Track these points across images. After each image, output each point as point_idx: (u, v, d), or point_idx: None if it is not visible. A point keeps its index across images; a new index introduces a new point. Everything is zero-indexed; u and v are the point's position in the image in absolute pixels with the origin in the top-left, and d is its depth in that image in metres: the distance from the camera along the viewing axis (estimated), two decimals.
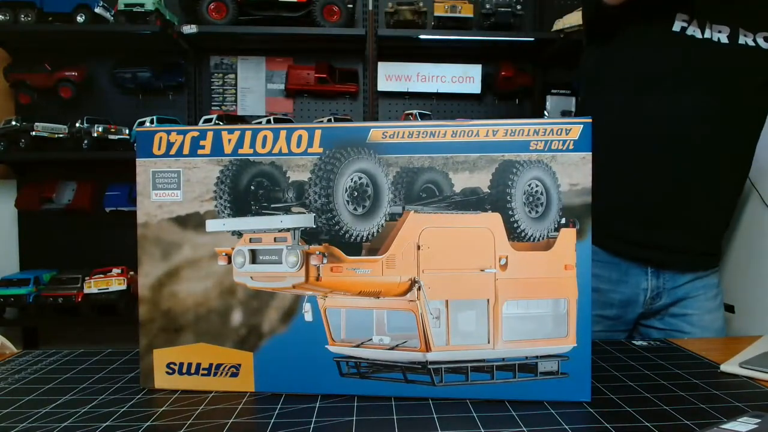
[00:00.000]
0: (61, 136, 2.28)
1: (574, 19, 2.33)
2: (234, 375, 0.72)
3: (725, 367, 0.78)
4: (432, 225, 0.68)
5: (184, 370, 0.73)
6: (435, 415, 0.64)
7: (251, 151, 0.71)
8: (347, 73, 2.67)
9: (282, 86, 2.62)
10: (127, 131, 2.33)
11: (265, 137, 0.71)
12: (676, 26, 1.07)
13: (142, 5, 2.21)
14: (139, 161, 0.75)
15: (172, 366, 0.74)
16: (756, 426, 0.56)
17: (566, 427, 0.61)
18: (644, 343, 0.93)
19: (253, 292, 0.71)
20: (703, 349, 0.88)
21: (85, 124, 2.30)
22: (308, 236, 0.69)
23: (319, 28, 2.38)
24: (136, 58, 2.47)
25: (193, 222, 0.72)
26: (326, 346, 0.70)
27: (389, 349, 0.69)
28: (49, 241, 2.50)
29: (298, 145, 0.70)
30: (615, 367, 0.81)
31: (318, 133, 0.70)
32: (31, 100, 2.42)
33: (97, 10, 2.24)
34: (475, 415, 0.64)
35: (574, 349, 0.68)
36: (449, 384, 0.68)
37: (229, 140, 0.72)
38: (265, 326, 0.71)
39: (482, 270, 0.68)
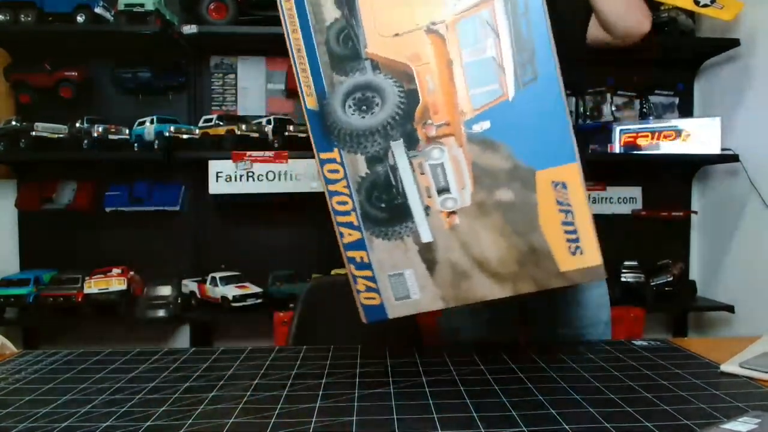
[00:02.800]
0: (61, 136, 2.27)
1: None
2: None
3: (725, 367, 0.78)
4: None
5: None
6: (435, 415, 0.64)
7: None
8: None
9: (282, 86, 2.61)
10: (127, 131, 2.33)
11: None
12: None
13: (142, 5, 2.21)
14: None
15: None
16: (756, 426, 0.56)
17: (566, 427, 0.61)
18: (644, 343, 0.93)
19: None
20: (703, 349, 0.88)
21: (85, 124, 2.29)
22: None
23: None
24: (136, 58, 2.47)
25: None
26: None
27: None
28: (49, 241, 2.49)
29: None
30: (615, 367, 0.81)
31: None
32: (31, 100, 2.42)
33: (98, 10, 2.24)
34: (475, 415, 0.64)
35: None
36: None
37: None
38: None
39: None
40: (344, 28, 0.71)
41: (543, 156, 0.69)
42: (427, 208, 0.72)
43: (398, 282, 0.75)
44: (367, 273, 0.75)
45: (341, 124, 0.72)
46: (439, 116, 0.70)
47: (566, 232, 0.69)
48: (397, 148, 0.71)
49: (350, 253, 0.75)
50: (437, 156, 0.71)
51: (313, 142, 0.73)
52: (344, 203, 0.74)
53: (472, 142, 0.70)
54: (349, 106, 0.72)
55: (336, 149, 0.73)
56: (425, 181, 0.72)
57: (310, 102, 0.73)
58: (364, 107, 0.71)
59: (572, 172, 0.68)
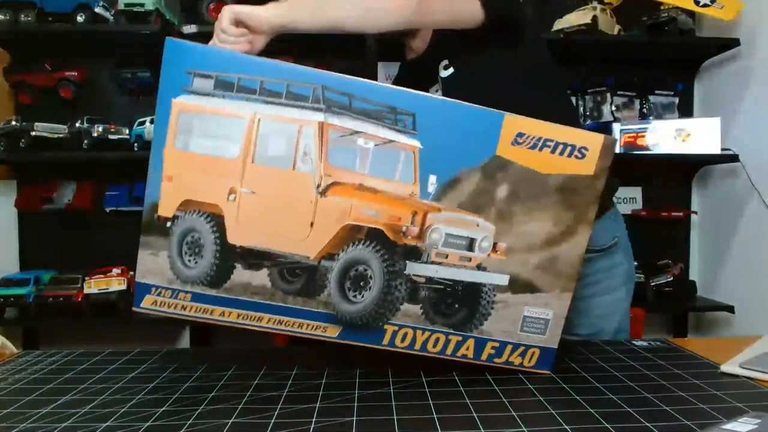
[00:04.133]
0: (61, 136, 2.27)
1: (574, 18, 2.33)
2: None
3: (725, 368, 0.78)
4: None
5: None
6: (435, 416, 0.64)
7: None
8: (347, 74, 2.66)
9: None
10: (127, 131, 2.32)
11: None
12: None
13: (142, 5, 2.20)
14: None
15: None
16: (756, 426, 0.56)
17: (566, 427, 0.61)
18: (644, 343, 0.93)
19: None
20: (703, 349, 0.88)
21: (85, 124, 2.29)
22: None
23: None
24: (137, 58, 2.47)
25: None
26: None
27: None
28: (49, 241, 2.49)
29: None
30: (615, 367, 0.81)
31: None
32: (32, 100, 2.42)
33: (98, 10, 2.24)
34: (475, 415, 0.64)
35: None
36: None
37: None
38: None
39: None
40: (281, 270, 0.74)
41: (484, 140, 0.72)
42: (479, 266, 0.74)
43: (530, 324, 0.77)
44: (509, 349, 0.78)
45: (367, 311, 0.74)
46: (403, 217, 0.72)
47: (561, 153, 0.72)
48: (414, 269, 0.73)
49: (484, 354, 0.78)
50: (438, 236, 0.73)
51: (370, 345, 0.76)
52: (437, 341, 0.77)
53: (442, 198, 0.72)
54: (354, 297, 0.74)
55: (386, 327, 0.75)
56: (454, 258, 0.74)
57: (331, 332, 0.75)
58: (362, 282, 0.73)
59: (512, 122, 0.71)
